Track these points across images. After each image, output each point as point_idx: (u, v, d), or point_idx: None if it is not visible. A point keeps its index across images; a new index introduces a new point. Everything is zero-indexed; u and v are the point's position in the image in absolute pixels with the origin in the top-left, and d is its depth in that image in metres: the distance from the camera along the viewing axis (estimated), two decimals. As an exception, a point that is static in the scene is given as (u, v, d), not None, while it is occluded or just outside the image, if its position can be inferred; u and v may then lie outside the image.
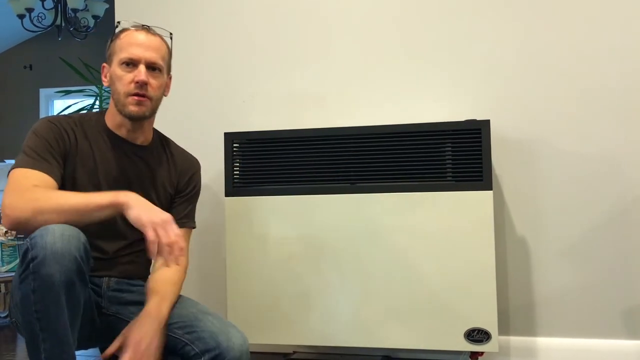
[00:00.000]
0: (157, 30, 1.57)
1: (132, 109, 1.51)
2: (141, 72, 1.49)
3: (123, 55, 1.51)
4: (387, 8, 2.13)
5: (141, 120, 1.56)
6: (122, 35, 1.54)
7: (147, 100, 1.52)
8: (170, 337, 1.46)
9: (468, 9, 2.06)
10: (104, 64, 1.58)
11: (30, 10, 4.28)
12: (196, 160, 1.74)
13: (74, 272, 1.24)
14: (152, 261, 1.72)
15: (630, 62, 1.95)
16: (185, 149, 1.76)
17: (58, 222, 1.29)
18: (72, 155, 1.50)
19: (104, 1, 4.57)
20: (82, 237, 1.29)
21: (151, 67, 1.52)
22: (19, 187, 1.37)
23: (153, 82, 1.52)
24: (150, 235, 1.29)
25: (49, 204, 1.31)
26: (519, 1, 2.02)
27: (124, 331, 1.41)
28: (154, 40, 1.54)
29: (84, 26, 4.57)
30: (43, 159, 1.43)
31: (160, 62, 1.54)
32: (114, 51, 1.54)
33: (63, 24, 4.45)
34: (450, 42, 2.07)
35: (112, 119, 1.58)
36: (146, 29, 1.55)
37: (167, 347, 1.47)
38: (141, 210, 1.32)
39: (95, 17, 4.52)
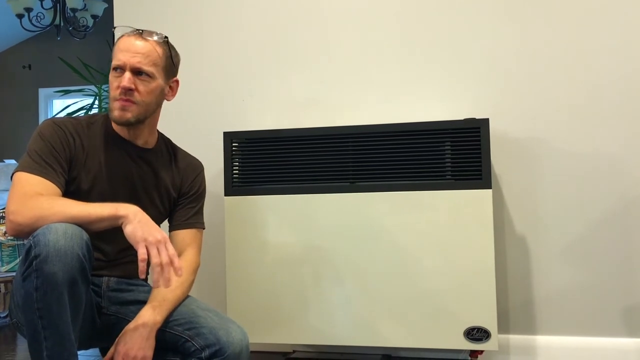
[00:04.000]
0: (154, 35, 1.55)
1: (116, 113, 1.51)
2: (125, 78, 1.49)
3: (113, 61, 1.52)
4: (387, 7, 2.13)
5: (127, 125, 1.54)
6: (118, 41, 1.55)
7: (133, 105, 1.50)
8: (170, 334, 1.47)
9: (468, 8, 2.06)
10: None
11: (29, 9, 4.28)
12: (199, 162, 1.74)
13: (77, 270, 1.25)
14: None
15: (630, 62, 1.95)
16: (185, 148, 1.76)
17: None
18: (77, 159, 1.51)
19: (103, 1, 4.57)
20: (84, 235, 1.29)
21: (138, 72, 1.51)
22: (22, 194, 1.37)
23: (141, 87, 1.51)
24: (140, 253, 1.29)
25: (50, 213, 1.31)
26: (519, 1, 2.02)
27: (116, 341, 1.42)
28: (143, 46, 1.51)
29: (83, 26, 4.56)
30: (48, 164, 1.44)
31: (148, 68, 1.51)
32: (112, 57, 1.55)
33: (62, 24, 4.45)
34: (449, 41, 2.07)
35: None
36: (138, 33, 1.53)
37: (167, 344, 1.47)
38: (137, 226, 1.32)
39: (94, 16, 4.52)
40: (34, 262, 1.23)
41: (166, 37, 1.58)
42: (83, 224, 1.31)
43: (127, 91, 1.49)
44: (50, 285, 1.22)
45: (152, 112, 1.57)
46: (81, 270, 1.26)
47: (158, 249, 1.31)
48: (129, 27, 1.56)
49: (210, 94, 2.27)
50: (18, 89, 6.46)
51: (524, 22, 2.02)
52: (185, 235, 1.66)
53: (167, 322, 1.48)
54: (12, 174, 1.43)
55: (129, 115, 1.51)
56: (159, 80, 1.55)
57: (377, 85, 2.12)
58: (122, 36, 1.55)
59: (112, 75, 1.52)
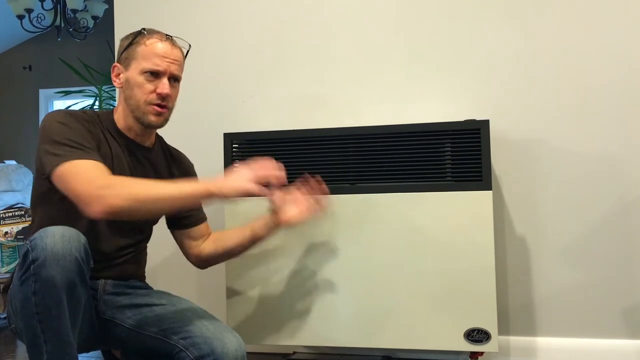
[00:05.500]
0: (179, 42, 1.60)
1: (152, 119, 1.54)
2: (165, 85, 1.52)
3: (146, 64, 1.51)
4: (388, 8, 2.13)
5: (156, 128, 1.61)
6: (147, 42, 1.53)
7: (167, 111, 1.56)
8: (165, 343, 1.46)
9: (468, 9, 2.06)
10: (116, 64, 1.58)
11: (29, 10, 4.28)
12: (190, 161, 1.78)
13: (75, 273, 1.24)
14: (146, 261, 1.73)
15: (630, 62, 1.95)
16: (185, 149, 1.77)
17: (154, 211, 1.42)
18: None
19: (104, 1, 4.57)
20: (82, 238, 1.29)
21: (172, 78, 1.55)
22: (97, 177, 1.34)
23: (172, 92, 1.56)
24: (257, 191, 1.39)
25: (147, 193, 1.34)
26: (519, 1, 2.02)
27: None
28: (177, 53, 1.57)
29: (84, 27, 4.57)
30: (90, 149, 1.42)
31: (180, 74, 1.59)
32: (134, 56, 1.53)
33: (62, 25, 4.45)
34: (450, 42, 2.07)
35: (123, 121, 1.58)
36: (170, 39, 1.57)
37: (161, 353, 1.47)
38: (229, 184, 1.38)
39: (94, 17, 4.52)
40: (31, 267, 1.22)
41: (189, 45, 1.63)
42: (177, 201, 1.37)
43: (165, 97, 1.53)
44: (48, 289, 1.21)
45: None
46: (79, 273, 1.25)
47: (256, 173, 1.40)
48: (159, 31, 1.57)
49: (211, 95, 2.27)
50: (18, 90, 6.46)
51: (524, 22, 2.02)
52: (204, 226, 1.75)
53: (163, 329, 1.48)
54: (54, 167, 1.36)
55: (162, 120, 1.57)
56: (179, 85, 1.62)
57: (377, 86, 2.12)
58: (149, 38, 1.54)
59: (142, 78, 1.52)
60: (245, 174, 1.39)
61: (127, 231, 1.58)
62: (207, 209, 1.77)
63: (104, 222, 1.51)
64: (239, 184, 1.37)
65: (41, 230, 1.26)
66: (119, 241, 1.57)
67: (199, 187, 1.38)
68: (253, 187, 1.37)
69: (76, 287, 1.25)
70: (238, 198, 1.38)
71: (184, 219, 1.70)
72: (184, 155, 1.77)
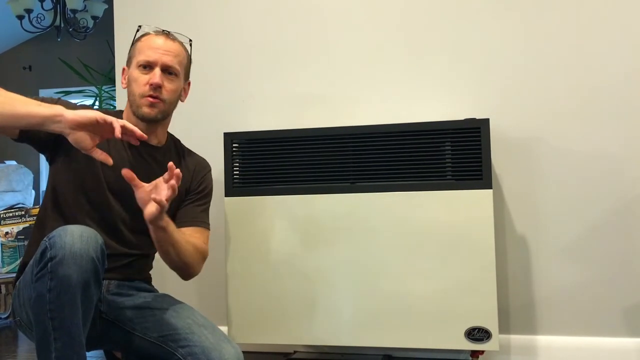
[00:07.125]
0: (178, 37, 1.61)
1: (145, 110, 1.54)
2: (156, 75, 1.52)
3: (140, 57, 1.54)
4: (387, 7, 2.13)
5: (153, 122, 1.58)
6: (143, 39, 1.57)
7: (160, 103, 1.55)
8: (163, 349, 1.47)
9: (468, 7, 2.06)
10: (124, 67, 1.62)
11: (29, 11, 4.29)
12: (207, 162, 1.76)
13: (91, 273, 1.25)
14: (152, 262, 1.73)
15: (631, 62, 1.95)
16: (185, 149, 1.77)
17: None
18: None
19: (103, 2, 4.57)
20: (99, 238, 1.30)
21: (167, 70, 1.55)
22: None
23: (168, 85, 1.55)
24: (98, 117, 1.29)
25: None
26: (520, 0, 2.02)
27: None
28: (172, 45, 1.57)
29: (83, 27, 4.57)
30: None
31: (177, 67, 1.57)
32: (133, 54, 1.58)
33: (62, 25, 4.45)
34: (450, 41, 2.07)
35: (128, 120, 1.58)
36: (166, 34, 1.58)
37: (160, 359, 1.47)
38: (76, 113, 1.29)
39: (94, 17, 4.53)
40: (49, 264, 1.23)
41: (190, 40, 1.62)
42: (18, 119, 1.33)
43: (157, 88, 1.53)
44: (64, 288, 1.22)
45: (171, 111, 1.62)
46: (94, 273, 1.26)
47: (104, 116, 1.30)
48: (156, 27, 1.59)
49: (211, 94, 2.27)
50: (19, 91, 6.45)
51: (525, 22, 2.02)
52: (192, 231, 1.63)
53: (162, 335, 1.48)
54: None
55: (156, 111, 1.56)
56: (181, 81, 1.61)
57: (377, 85, 2.12)
58: (146, 34, 1.58)
59: (137, 72, 1.54)
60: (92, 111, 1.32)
61: (128, 238, 1.58)
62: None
63: (116, 221, 1.51)
64: (86, 112, 1.30)
65: (60, 228, 1.27)
66: (120, 248, 1.57)
67: (49, 110, 1.32)
68: (96, 114, 1.30)
69: (90, 287, 1.26)
70: (77, 124, 1.29)
71: (174, 217, 1.67)
72: (199, 158, 1.75)
